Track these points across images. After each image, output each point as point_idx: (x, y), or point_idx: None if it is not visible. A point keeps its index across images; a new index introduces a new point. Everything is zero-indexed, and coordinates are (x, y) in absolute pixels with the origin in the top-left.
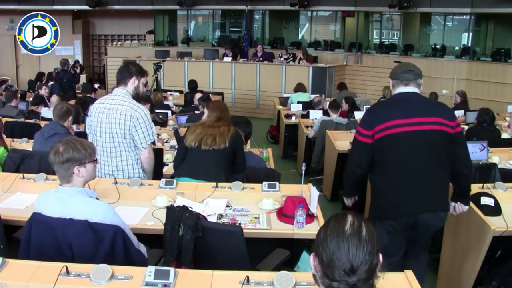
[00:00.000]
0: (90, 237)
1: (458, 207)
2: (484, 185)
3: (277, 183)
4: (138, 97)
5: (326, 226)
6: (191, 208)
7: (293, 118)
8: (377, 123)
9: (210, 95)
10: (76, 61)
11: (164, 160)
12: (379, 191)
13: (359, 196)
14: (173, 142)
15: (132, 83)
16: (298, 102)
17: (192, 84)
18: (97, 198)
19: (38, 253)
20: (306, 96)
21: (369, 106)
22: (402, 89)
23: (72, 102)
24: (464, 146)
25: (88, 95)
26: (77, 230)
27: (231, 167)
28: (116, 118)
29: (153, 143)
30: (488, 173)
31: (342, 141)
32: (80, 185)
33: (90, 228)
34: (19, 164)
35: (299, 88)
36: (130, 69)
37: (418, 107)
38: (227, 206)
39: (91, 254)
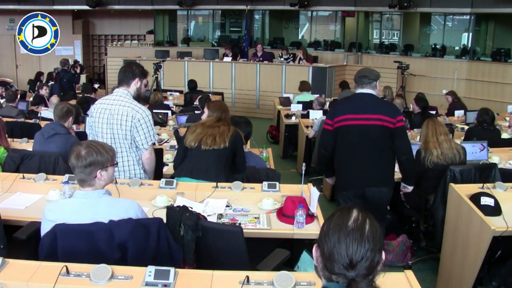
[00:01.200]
0: (142, 231)
1: (404, 188)
2: (484, 185)
3: (277, 183)
4: (138, 97)
5: (330, 219)
6: (191, 208)
7: (293, 118)
8: (336, 115)
9: (210, 95)
10: (76, 61)
11: (164, 160)
12: (336, 168)
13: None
14: (173, 142)
15: (135, 84)
16: (298, 102)
17: (192, 84)
18: None
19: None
20: (311, 96)
21: None
22: (359, 90)
23: (73, 102)
24: (402, 139)
25: (88, 95)
26: (130, 228)
27: (231, 167)
28: (118, 119)
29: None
30: (488, 173)
31: None
32: (101, 188)
33: (139, 224)
34: (19, 164)
35: (304, 86)
36: (133, 70)
37: (367, 106)
38: (227, 206)
39: (144, 248)
